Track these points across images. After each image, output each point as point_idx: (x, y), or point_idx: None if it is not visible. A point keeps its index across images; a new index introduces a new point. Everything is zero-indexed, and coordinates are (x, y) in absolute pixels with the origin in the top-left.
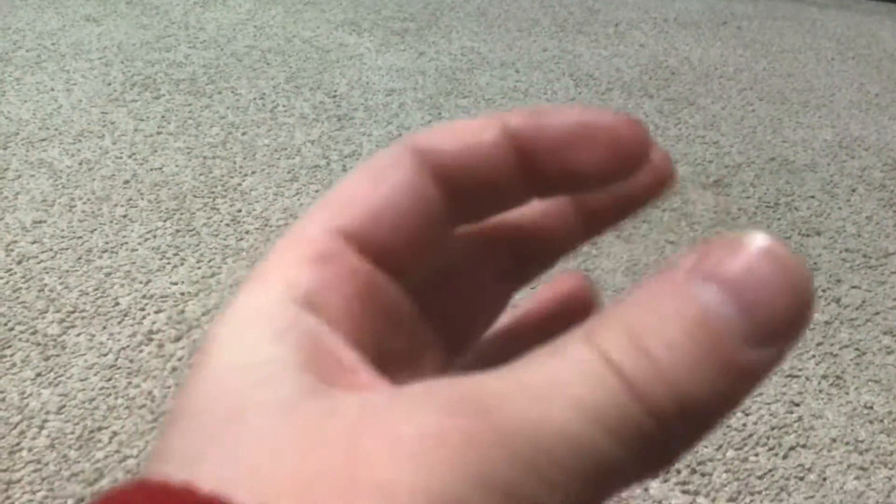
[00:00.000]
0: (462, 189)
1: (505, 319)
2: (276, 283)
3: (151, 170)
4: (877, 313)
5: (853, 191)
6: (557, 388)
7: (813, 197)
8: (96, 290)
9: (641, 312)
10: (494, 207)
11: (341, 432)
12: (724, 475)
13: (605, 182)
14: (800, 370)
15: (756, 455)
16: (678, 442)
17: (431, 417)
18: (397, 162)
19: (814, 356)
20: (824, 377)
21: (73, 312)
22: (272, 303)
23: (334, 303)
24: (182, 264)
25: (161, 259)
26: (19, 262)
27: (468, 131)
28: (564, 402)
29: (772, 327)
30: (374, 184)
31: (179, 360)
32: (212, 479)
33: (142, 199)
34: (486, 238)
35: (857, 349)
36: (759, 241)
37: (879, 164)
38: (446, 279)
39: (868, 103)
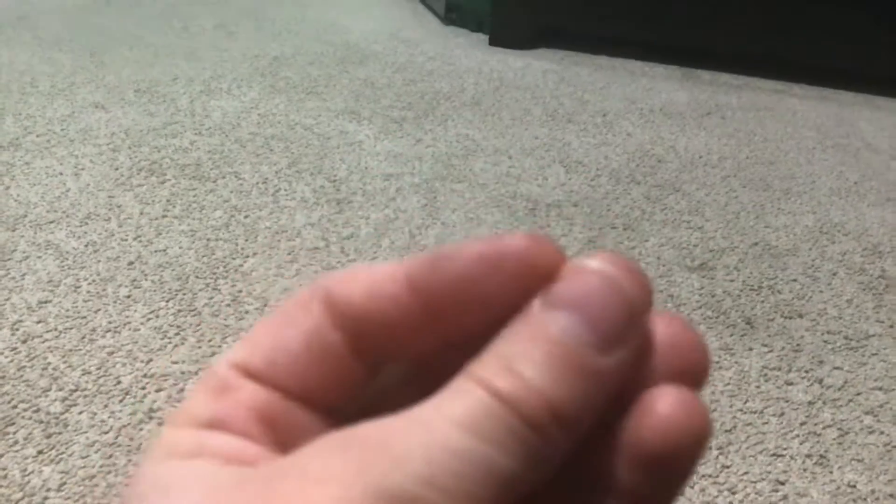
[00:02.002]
0: (367, 333)
1: None
2: (184, 417)
3: (156, 251)
4: (858, 394)
5: (834, 275)
6: (443, 413)
7: (795, 280)
8: (99, 368)
9: (510, 343)
10: (406, 348)
11: (257, 485)
12: None
13: (516, 302)
14: (784, 449)
15: None
16: (556, 444)
17: (335, 459)
18: (305, 307)
19: (798, 436)
20: (808, 456)
21: (75, 391)
22: (181, 434)
23: (237, 423)
24: (183, 343)
25: (163, 339)
26: (24, 342)
27: (374, 280)
28: (450, 423)
29: (614, 335)
30: (279, 326)
31: None
32: None
33: (146, 279)
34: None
35: (839, 429)
36: (593, 265)
37: (859, 248)
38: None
39: (847, 190)
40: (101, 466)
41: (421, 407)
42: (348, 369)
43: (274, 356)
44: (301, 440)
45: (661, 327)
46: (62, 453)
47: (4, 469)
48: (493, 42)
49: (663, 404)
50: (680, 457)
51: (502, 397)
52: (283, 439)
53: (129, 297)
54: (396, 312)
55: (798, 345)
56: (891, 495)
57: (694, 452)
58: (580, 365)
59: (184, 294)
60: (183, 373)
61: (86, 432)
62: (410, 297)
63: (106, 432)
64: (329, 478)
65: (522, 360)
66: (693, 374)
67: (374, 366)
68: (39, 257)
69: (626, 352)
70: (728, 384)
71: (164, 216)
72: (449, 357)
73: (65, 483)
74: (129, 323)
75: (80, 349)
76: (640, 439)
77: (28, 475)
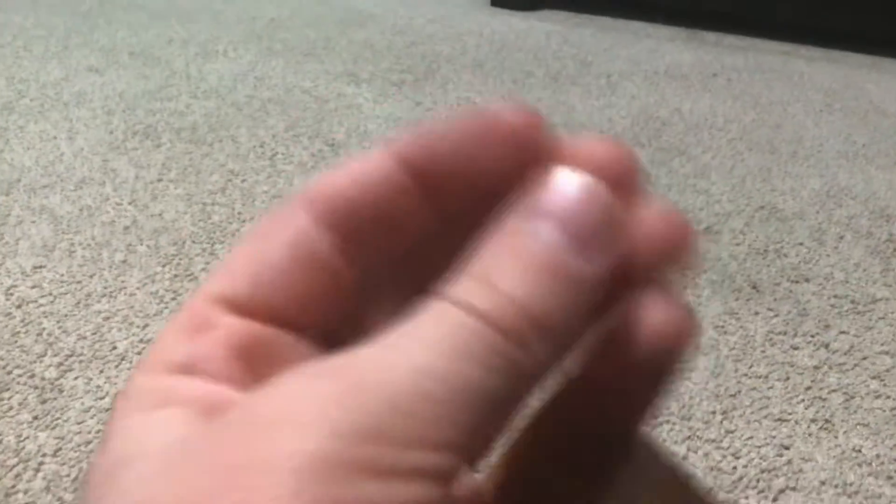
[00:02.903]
0: (362, 227)
1: None
2: (152, 364)
3: (151, 216)
4: (864, 358)
5: (841, 238)
6: (416, 336)
7: (802, 244)
8: (94, 334)
9: (483, 259)
10: (402, 235)
11: (218, 437)
12: None
13: (507, 176)
14: (789, 414)
15: (746, 498)
16: (538, 356)
17: (301, 397)
18: (286, 218)
19: (803, 400)
20: (813, 421)
21: (70, 356)
22: (151, 381)
23: (214, 364)
24: (179, 309)
25: (159, 304)
26: (18, 307)
27: (360, 169)
28: (425, 346)
29: (593, 241)
30: (258, 245)
31: None
32: None
33: (141, 244)
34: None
35: (845, 393)
36: (564, 176)
37: (866, 212)
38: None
39: (855, 154)
40: (96, 432)
41: (395, 332)
42: (338, 277)
43: (256, 276)
44: (288, 367)
45: (648, 215)
46: (57, 419)
47: (0, 435)
48: (496, 3)
49: (651, 317)
50: (668, 362)
51: (479, 313)
52: (267, 375)
53: (124, 261)
54: (389, 194)
55: (804, 309)
56: None
57: (680, 357)
58: (557, 270)
59: (180, 259)
60: None
61: (81, 398)
62: (402, 176)
63: (101, 398)
64: (291, 421)
65: (498, 273)
66: (677, 256)
67: (366, 269)
68: (34, 222)
69: (606, 258)
70: (733, 349)
71: (159, 180)
72: (439, 260)
73: (60, 448)
74: (125, 288)
75: (75, 314)
76: (629, 353)
77: (23, 441)
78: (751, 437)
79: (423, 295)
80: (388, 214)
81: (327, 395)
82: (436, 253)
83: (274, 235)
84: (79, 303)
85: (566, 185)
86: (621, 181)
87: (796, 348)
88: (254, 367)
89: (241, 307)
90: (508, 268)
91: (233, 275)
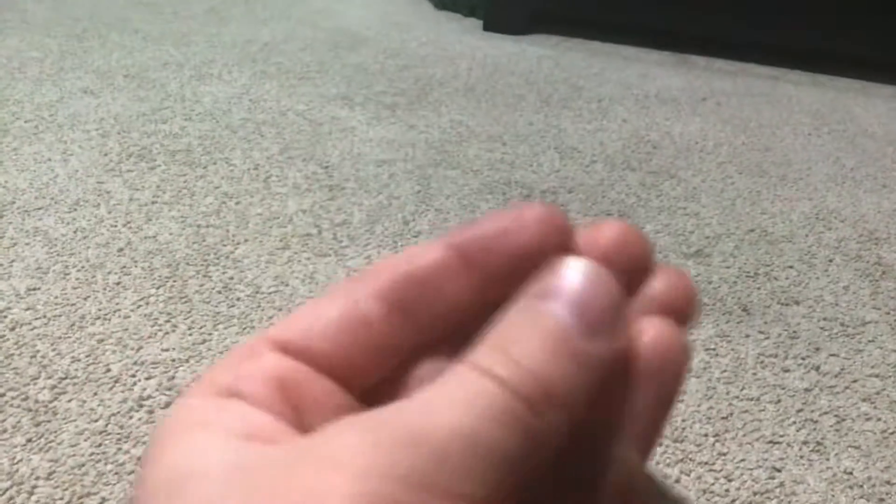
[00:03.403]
0: (415, 302)
1: None
2: (204, 387)
3: (145, 238)
4: (855, 380)
5: (830, 261)
6: (446, 398)
7: (791, 267)
8: (88, 356)
9: (505, 333)
10: (451, 312)
11: (277, 469)
12: None
13: (534, 262)
14: (781, 436)
15: None
16: (551, 422)
17: (353, 444)
18: (346, 286)
19: (795, 423)
20: (805, 443)
21: (64, 379)
22: (202, 402)
23: (255, 388)
24: (173, 331)
25: (153, 326)
26: (12, 329)
27: (415, 252)
28: (454, 406)
29: (601, 323)
30: (319, 304)
31: None
32: None
33: (135, 266)
34: None
35: (836, 416)
36: (574, 264)
37: (855, 235)
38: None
39: (843, 177)
40: (90, 455)
41: (427, 392)
42: (382, 338)
43: (309, 327)
44: (323, 415)
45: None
46: (51, 441)
47: None
48: (488, 27)
49: (646, 335)
50: (664, 381)
51: (500, 380)
52: (302, 411)
53: (118, 283)
54: (436, 274)
55: (794, 332)
56: (888, 482)
57: (674, 379)
58: (570, 348)
59: (174, 281)
60: (173, 360)
61: (75, 420)
62: (451, 258)
63: (95, 420)
64: (347, 464)
65: (517, 347)
66: (680, 310)
67: (408, 334)
68: (28, 244)
69: (612, 338)
70: (724, 371)
71: (153, 202)
72: (472, 330)
73: (54, 472)
74: (119, 310)
75: (69, 336)
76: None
77: (17, 463)
78: (743, 460)
79: (455, 359)
80: (433, 290)
81: (376, 443)
82: (470, 324)
83: (334, 298)
84: (73, 325)
85: (575, 270)
86: (632, 260)
87: (787, 371)
88: (291, 400)
89: (288, 347)
90: (527, 342)
91: (289, 324)
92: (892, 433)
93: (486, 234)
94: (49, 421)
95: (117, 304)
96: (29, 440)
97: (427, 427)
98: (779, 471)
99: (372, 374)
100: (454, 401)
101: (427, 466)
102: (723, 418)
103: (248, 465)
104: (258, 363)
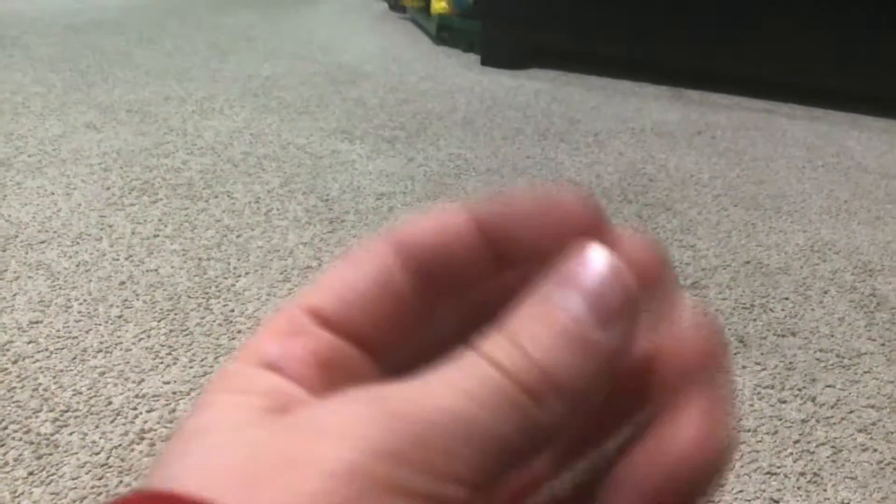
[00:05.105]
0: (435, 270)
1: None
2: (248, 354)
3: (147, 271)
4: (851, 412)
5: (825, 293)
6: (447, 381)
7: (787, 299)
8: (90, 389)
9: (516, 321)
10: (468, 284)
11: (276, 433)
12: None
13: (561, 246)
14: (778, 468)
15: None
16: (554, 414)
17: (353, 417)
18: (372, 251)
19: (791, 454)
20: (802, 474)
21: (66, 412)
22: (242, 369)
23: (296, 366)
24: (175, 364)
25: (154, 359)
26: (14, 362)
27: (440, 220)
28: (453, 391)
29: (613, 315)
30: (349, 270)
31: None
32: (165, 479)
33: (137, 299)
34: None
35: (833, 447)
36: (596, 254)
37: (850, 266)
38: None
39: (838, 209)
40: (91, 487)
41: (431, 374)
42: (411, 311)
43: (343, 296)
44: (355, 380)
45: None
46: (53, 474)
47: None
48: (486, 62)
49: (684, 434)
50: (696, 481)
51: (504, 369)
52: (336, 385)
53: (120, 317)
54: (461, 247)
55: (791, 363)
56: None
57: (708, 478)
58: (581, 339)
59: (175, 314)
60: (175, 393)
61: (76, 453)
62: (475, 232)
63: (97, 453)
64: (337, 434)
65: (527, 337)
66: (709, 367)
67: (434, 307)
68: (30, 277)
69: (623, 334)
70: None
71: (155, 236)
72: (495, 306)
73: None
74: (121, 343)
75: (71, 369)
76: (659, 465)
77: (18, 497)
78: (741, 491)
79: (469, 340)
80: (458, 263)
81: (369, 417)
82: (494, 300)
83: (362, 264)
84: (75, 358)
85: (596, 260)
86: (653, 277)
87: (784, 402)
88: (327, 375)
89: (328, 321)
90: (535, 332)
91: (325, 291)
92: (888, 464)
93: (513, 212)
94: (51, 454)
95: (119, 337)
96: (30, 473)
97: (425, 408)
98: (776, 502)
99: (402, 346)
100: (456, 386)
101: (415, 444)
102: None
103: (256, 425)
104: (302, 341)
